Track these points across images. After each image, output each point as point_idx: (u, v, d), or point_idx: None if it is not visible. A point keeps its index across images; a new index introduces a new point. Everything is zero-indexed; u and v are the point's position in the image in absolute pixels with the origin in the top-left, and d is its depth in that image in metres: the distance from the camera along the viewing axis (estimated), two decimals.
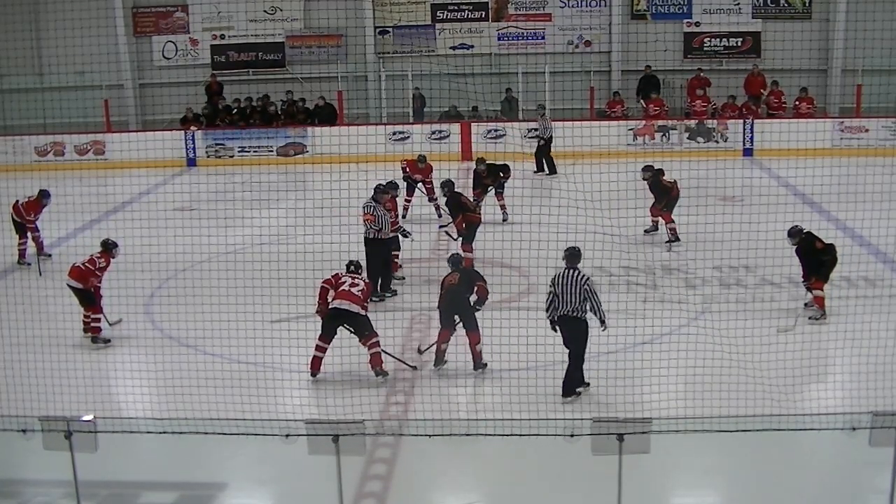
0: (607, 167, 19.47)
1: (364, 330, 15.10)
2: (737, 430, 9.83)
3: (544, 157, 30.79)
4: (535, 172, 30.60)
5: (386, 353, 15.23)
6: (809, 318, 16.93)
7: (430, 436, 11.53)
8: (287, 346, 15.29)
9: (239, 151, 34.30)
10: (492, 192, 24.45)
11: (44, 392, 13.15)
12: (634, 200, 21.81)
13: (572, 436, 9.40)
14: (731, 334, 15.08)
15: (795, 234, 17.38)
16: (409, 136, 33.35)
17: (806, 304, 17.40)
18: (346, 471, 9.61)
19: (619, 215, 20.10)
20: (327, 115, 34.97)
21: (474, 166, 25.05)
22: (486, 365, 15.20)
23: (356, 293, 15.20)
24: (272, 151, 34.09)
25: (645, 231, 22.45)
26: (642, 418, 9.31)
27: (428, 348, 15.74)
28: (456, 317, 15.19)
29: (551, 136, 30.49)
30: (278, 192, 28.55)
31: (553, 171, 30.28)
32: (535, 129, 31.48)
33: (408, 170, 25.25)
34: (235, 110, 35.59)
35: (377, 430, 12.79)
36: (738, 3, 36.58)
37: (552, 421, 11.50)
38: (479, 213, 21.05)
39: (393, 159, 28.25)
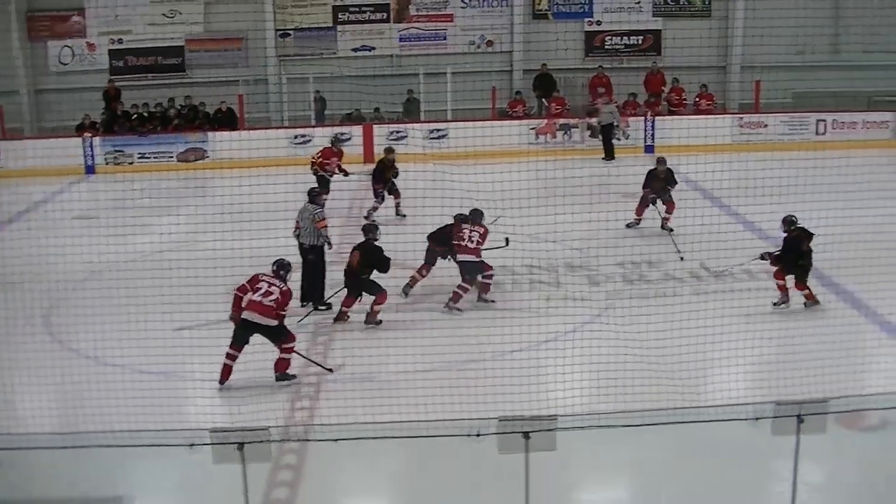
0: (508, 166, 19.50)
1: (278, 337, 14.93)
2: (642, 425, 9.89)
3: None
4: None
5: (301, 355, 15.13)
6: (773, 303, 17.37)
7: (336, 440, 11.47)
8: (191, 354, 15.07)
9: (139, 158, 33.74)
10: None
11: None
12: (536, 199, 21.80)
13: (478, 435, 9.38)
14: (635, 329, 15.18)
15: (787, 223, 17.70)
16: (310, 140, 33.03)
17: (775, 304, 17.45)
18: (252, 479, 9.50)
19: (521, 214, 20.15)
20: (228, 120, 34.65)
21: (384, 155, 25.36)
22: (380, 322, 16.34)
23: (268, 304, 14.80)
24: (172, 157, 33.62)
25: (628, 225, 22.38)
26: (548, 416, 9.30)
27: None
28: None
29: None
30: (178, 198, 28.18)
31: None
32: None
33: (321, 158, 25.50)
34: (135, 116, 35.09)
35: (283, 437, 12.68)
36: (639, 2, 36.92)
37: (458, 421, 11.45)
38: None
39: (295, 163, 28.11)
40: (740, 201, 21.97)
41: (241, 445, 8.87)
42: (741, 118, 34.49)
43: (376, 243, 17.37)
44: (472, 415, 11.36)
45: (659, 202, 22.40)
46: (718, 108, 35.93)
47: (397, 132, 33.04)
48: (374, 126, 33.41)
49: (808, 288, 17.32)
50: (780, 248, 17.70)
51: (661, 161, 22.97)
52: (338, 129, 32.93)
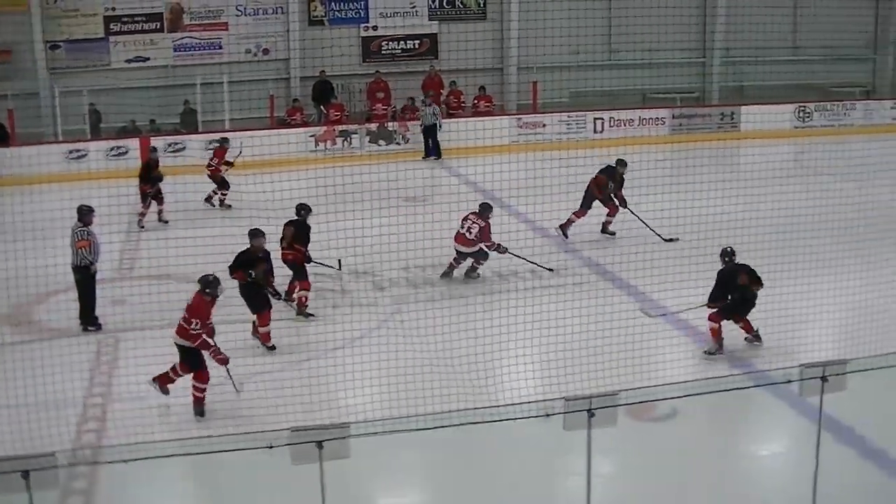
0: (287, 175, 19.32)
1: (190, 366, 14.09)
2: (435, 427, 9.79)
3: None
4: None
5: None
6: (705, 351, 15.73)
7: (126, 461, 11.07)
8: None
9: None
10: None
11: None
12: (317, 207, 21.66)
13: (271, 447, 9.17)
14: (423, 332, 15.15)
15: (724, 254, 15.92)
16: (86, 154, 32.16)
17: (707, 352, 15.75)
18: None
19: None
20: None
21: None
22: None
23: (181, 321, 14.05)
24: None
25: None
26: (340, 424, 9.14)
27: None
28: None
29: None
30: None
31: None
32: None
33: (216, 160, 26.06)
34: None
35: (70, 461, 12.22)
36: (415, 6, 36.97)
37: (250, 434, 11.22)
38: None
39: (69, 178, 27.30)
40: (521, 201, 22.17)
41: (25, 473, 8.43)
42: (520, 119, 34.94)
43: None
44: (265, 427, 11.15)
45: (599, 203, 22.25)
46: (497, 109, 36.33)
47: (175, 144, 32.35)
48: (151, 138, 32.61)
49: (746, 321, 15.72)
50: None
51: (621, 163, 22.26)
52: (114, 143, 32.17)
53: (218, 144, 27.21)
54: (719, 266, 15.92)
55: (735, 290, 15.54)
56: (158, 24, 35.70)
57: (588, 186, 21.89)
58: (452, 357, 14.70)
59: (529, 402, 11.47)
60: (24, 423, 13.36)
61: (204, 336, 13.81)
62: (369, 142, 33.58)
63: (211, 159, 26.51)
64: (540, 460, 12.17)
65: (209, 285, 14.07)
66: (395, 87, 35.67)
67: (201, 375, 13.98)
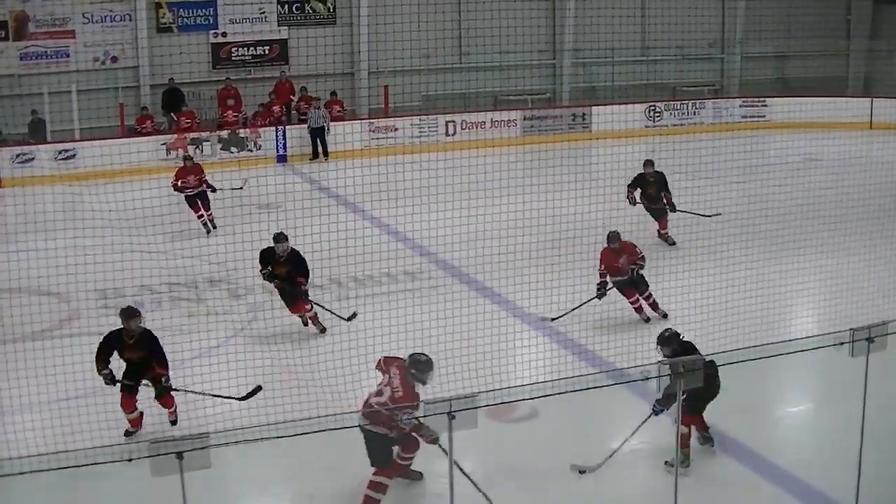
0: (140, 184, 19.07)
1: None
2: (295, 434, 9.73)
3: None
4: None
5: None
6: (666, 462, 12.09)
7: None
8: None
9: None
10: None
11: None
12: (170, 216, 21.44)
13: (130, 460, 9.04)
14: (281, 339, 15.07)
15: (667, 341, 12.36)
16: None
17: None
18: None
19: (156, 231, 19.75)
20: None
21: None
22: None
23: None
24: None
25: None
26: (200, 434, 9.02)
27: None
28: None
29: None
30: None
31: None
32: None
33: (179, 183, 23.62)
34: None
35: None
36: (264, 13, 36.72)
37: (108, 448, 11.00)
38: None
39: None
40: (376, 206, 22.20)
41: None
42: (371, 123, 34.96)
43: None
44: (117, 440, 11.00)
45: (651, 212, 21.63)
46: (348, 114, 36.28)
47: (24, 154, 31.65)
48: None
49: (700, 419, 12.48)
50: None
51: (648, 163, 21.38)
52: None
53: None
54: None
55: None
56: (3, 32, 34.80)
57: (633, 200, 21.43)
58: (312, 363, 14.64)
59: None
60: None
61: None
62: (221, 149, 33.26)
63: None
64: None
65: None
66: (245, 94, 35.38)
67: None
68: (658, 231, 21.63)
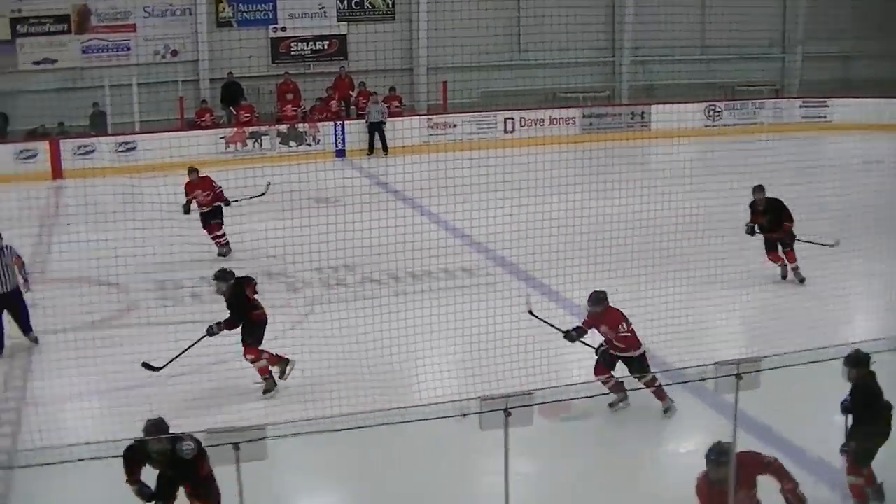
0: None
1: None
2: (352, 428, 9.73)
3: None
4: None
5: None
6: None
7: (42, 465, 10.87)
8: None
9: None
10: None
11: None
12: (231, 209, 21.55)
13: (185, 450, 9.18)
14: (338, 333, 15.08)
15: (857, 362, 10.73)
16: None
17: None
18: None
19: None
20: None
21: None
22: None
23: None
24: None
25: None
26: (258, 425, 9.05)
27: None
28: None
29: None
30: None
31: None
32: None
33: (186, 199, 21.64)
34: None
35: None
36: (323, 8, 36.88)
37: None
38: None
39: None
40: (433, 201, 22.17)
41: None
42: (430, 119, 34.98)
43: None
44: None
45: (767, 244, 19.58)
46: (407, 109, 36.31)
47: (85, 146, 31.96)
48: (60, 141, 32.19)
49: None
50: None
51: (758, 189, 19.52)
52: (22, 146, 31.73)
53: None
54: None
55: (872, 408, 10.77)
56: (66, 25, 35.19)
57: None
58: (368, 358, 14.65)
59: (445, 402, 11.44)
60: None
61: None
62: (280, 143, 33.43)
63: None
64: (458, 460, 12.16)
65: None
66: (304, 89, 35.51)
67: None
68: (782, 266, 19.55)
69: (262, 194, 21.87)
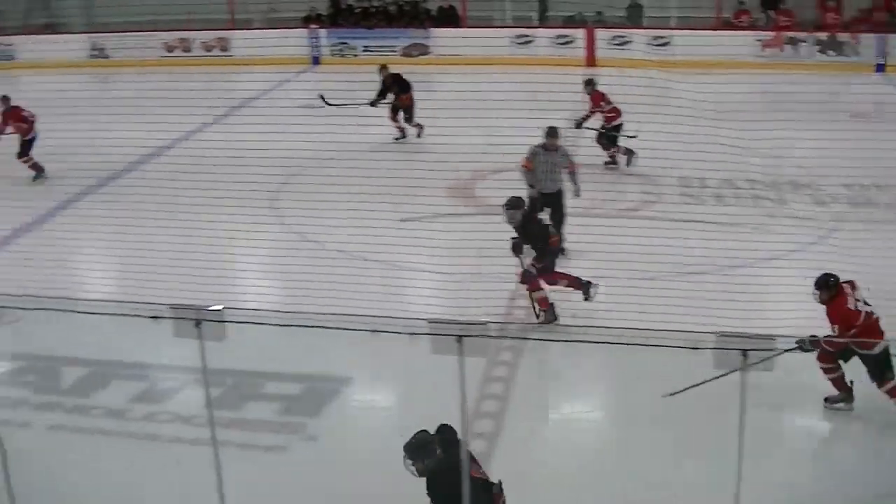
0: (733, 77, 19.11)
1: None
2: None
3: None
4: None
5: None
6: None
7: (551, 340, 11.50)
8: (412, 245, 15.20)
9: (363, 51, 34.28)
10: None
11: (174, 282, 12.99)
12: (760, 113, 21.41)
13: (695, 348, 9.36)
14: (861, 254, 14.59)
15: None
16: (532, 40, 33.08)
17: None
18: (468, 372, 9.61)
19: (743, 128, 19.78)
20: (450, 17, 34.81)
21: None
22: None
23: None
24: (396, 51, 33.84)
25: None
26: (766, 335, 9.03)
27: None
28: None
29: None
30: None
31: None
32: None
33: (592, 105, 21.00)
34: (358, 10, 35.64)
35: (500, 333, 12.82)
36: None
37: (674, 333, 11.23)
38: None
39: (514, 62, 28.07)
40: None
41: (459, 338, 8.97)
42: None
43: None
44: (688, 326, 11.25)
45: None
46: None
47: (620, 37, 32.65)
48: (596, 30, 33.03)
49: None
50: None
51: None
52: (559, 32, 32.88)
53: None
54: None
55: None
56: None
57: None
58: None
59: None
60: (461, 291, 14.14)
61: None
62: (818, 51, 32.66)
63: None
64: None
65: None
66: None
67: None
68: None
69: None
